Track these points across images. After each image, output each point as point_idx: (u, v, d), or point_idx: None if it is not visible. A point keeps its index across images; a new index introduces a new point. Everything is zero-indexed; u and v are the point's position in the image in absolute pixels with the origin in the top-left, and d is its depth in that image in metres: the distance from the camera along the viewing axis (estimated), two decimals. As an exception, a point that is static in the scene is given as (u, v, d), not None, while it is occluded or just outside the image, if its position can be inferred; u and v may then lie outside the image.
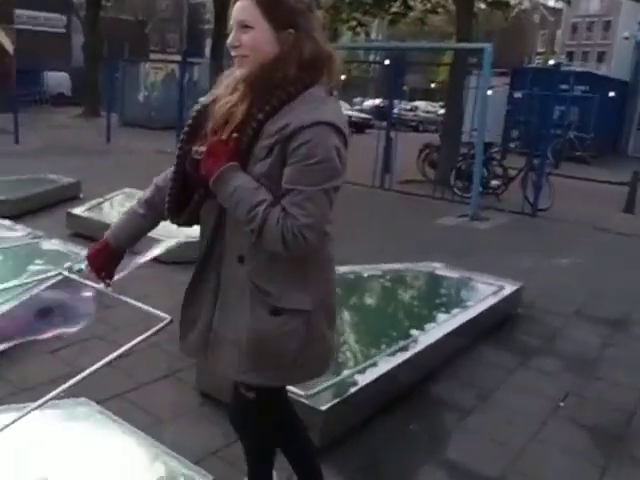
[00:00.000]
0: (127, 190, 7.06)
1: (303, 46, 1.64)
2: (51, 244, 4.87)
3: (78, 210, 6.09)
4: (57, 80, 28.67)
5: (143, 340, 1.91)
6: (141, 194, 1.99)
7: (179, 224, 1.85)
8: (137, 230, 1.97)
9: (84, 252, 4.39)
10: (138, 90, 20.84)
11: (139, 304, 2.04)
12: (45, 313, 2.14)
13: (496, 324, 4.31)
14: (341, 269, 4.44)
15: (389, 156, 10.33)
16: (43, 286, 2.80)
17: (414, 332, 3.63)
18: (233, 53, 1.69)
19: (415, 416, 3.11)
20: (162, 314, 1.93)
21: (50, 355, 3.49)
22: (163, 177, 1.94)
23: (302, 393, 2.67)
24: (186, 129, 1.80)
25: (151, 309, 1.99)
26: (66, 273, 2.19)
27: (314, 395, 2.71)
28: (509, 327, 4.42)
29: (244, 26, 1.64)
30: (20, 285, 3.25)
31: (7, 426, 1.76)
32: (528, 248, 6.96)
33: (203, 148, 1.69)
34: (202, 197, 1.76)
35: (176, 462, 2.24)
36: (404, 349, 3.33)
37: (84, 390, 2.39)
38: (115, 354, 1.85)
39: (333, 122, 1.63)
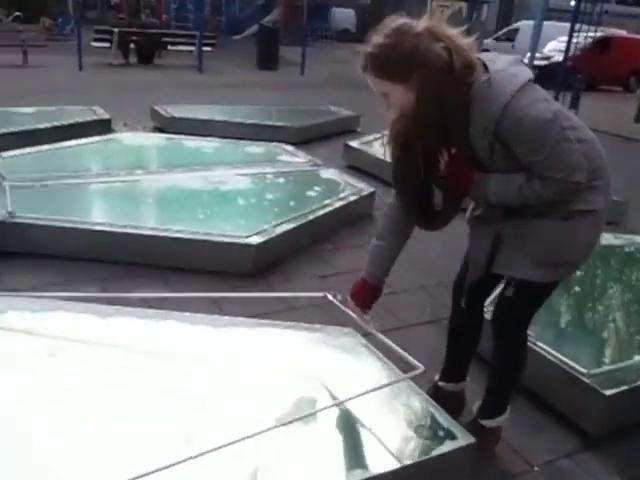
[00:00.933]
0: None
1: (432, 76, 1.71)
2: (329, 173, 5.02)
3: (355, 143, 6.21)
4: (343, 16, 29.74)
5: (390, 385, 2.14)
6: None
7: (435, 229, 2.10)
8: (388, 262, 2.18)
9: (360, 184, 4.51)
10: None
11: (396, 347, 2.19)
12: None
13: None
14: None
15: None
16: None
17: None
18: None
19: None
20: (416, 363, 2.08)
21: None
22: (389, 206, 2.15)
23: (584, 371, 2.37)
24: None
25: (407, 356, 2.14)
26: (330, 297, 2.48)
27: (596, 376, 2.39)
28: None
29: (384, 94, 1.82)
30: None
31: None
32: None
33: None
34: (455, 205, 2.05)
35: (438, 414, 2.12)
36: None
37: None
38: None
39: (514, 89, 1.72)
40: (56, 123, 6.09)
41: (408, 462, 1.89)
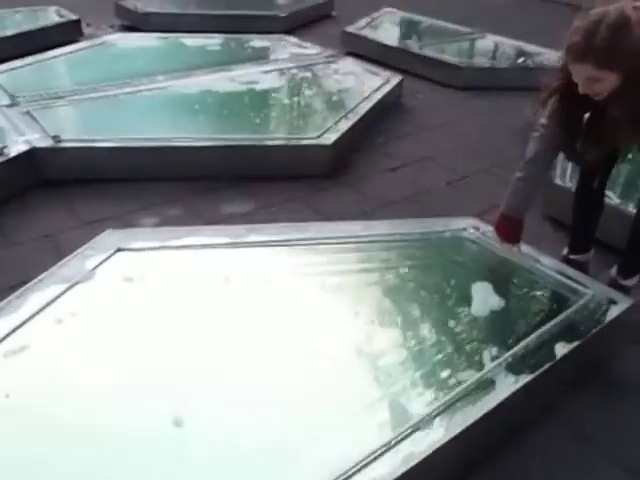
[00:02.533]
0: (388, 9, 6.97)
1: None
2: (348, 63, 4.99)
3: (352, 29, 6.10)
4: None
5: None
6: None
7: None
8: (532, 197, 2.40)
9: (384, 72, 4.51)
10: None
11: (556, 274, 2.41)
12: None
13: None
14: None
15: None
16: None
17: None
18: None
19: None
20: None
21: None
22: (533, 156, 2.31)
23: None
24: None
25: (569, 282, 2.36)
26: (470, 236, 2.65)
27: None
28: None
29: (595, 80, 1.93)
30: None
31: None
32: None
33: None
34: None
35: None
36: None
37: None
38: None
39: None
40: (19, 29, 5.51)
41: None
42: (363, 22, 6.40)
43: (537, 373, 1.94)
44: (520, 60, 5.70)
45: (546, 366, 1.97)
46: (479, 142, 4.25)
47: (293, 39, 5.64)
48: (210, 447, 1.62)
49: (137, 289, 2.25)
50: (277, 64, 4.82)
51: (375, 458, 1.58)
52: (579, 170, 2.62)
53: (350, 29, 6.12)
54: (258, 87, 4.37)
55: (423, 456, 1.60)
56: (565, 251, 2.71)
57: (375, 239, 2.63)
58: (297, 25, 6.85)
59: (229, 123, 3.83)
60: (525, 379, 1.90)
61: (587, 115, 2.22)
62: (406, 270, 2.47)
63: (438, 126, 4.48)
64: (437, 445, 1.63)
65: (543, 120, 2.28)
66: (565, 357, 2.02)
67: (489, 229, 2.62)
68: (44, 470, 1.55)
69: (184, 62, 4.81)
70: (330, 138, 3.57)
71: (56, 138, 3.31)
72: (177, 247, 2.47)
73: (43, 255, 2.69)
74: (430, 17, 7.04)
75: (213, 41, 5.42)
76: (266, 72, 4.63)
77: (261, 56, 5.06)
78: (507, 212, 2.39)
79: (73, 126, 3.67)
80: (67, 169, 3.31)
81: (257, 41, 5.51)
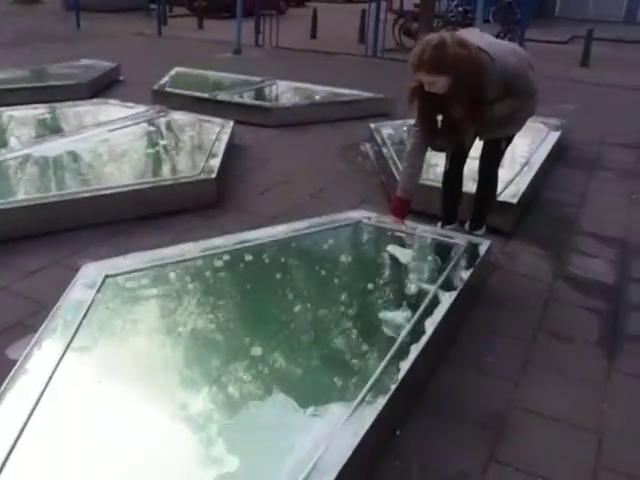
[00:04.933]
0: (178, 69, 7.69)
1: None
2: (181, 115, 5.60)
3: (158, 87, 6.72)
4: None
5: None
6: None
7: (442, 151, 3.41)
8: (416, 179, 3.27)
9: (216, 120, 5.19)
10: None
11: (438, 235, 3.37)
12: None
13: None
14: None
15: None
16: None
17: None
18: None
19: None
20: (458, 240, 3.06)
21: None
22: (412, 140, 3.19)
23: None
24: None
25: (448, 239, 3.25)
26: (365, 222, 3.44)
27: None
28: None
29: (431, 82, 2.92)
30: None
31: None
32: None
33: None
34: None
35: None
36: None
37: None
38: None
39: None
40: None
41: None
42: (164, 80, 7.04)
43: (456, 293, 2.79)
44: (316, 98, 6.81)
45: (461, 286, 2.86)
46: (313, 163, 5.17)
47: (115, 101, 6.07)
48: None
49: (147, 297, 2.69)
50: (118, 123, 5.22)
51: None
52: (445, 157, 3.57)
53: (157, 87, 6.71)
54: (119, 143, 4.77)
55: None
56: (438, 225, 3.65)
57: (293, 234, 3.31)
58: (97, 90, 7.23)
59: (116, 173, 4.20)
60: (449, 300, 2.73)
61: (440, 117, 3.19)
62: (327, 251, 3.21)
63: (274, 157, 5.30)
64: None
65: (413, 122, 3.21)
66: (467, 280, 2.92)
67: (375, 215, 3.50)
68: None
69: (29, 131, 5.02)
70: (212, 173, 4.18)
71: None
72: (154, 266, 2.93)
73: (9, 304, 2.94)
74: (215, 71, 7.96)
75: (39, 111, 5.62)
76: (113, 130, 5.04)
77: (100, 119, 5.40)
78: (400, 194, 3.27)
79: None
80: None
81: (83, 107, 5.85)
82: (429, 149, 3.26)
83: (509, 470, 2.10)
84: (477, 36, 3.09)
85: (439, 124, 3.20)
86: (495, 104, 3.03)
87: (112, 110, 5.70)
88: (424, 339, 2.42)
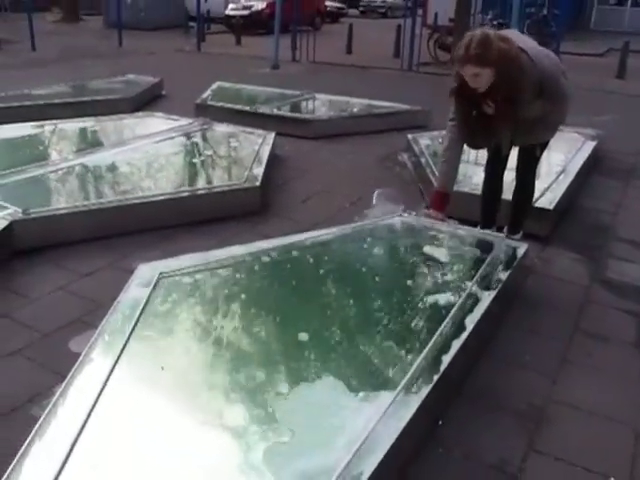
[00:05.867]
0: (219, 83, 7.95)
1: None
2: (224, 127, 5.80)
3: (201, 100, 6.96)
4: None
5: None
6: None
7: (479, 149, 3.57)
8: (455, 173, 3.35)
9: (258, 131, 5.37)
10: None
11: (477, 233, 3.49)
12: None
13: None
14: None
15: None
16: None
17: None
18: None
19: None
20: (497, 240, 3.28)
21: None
22: (449, 137, 3.30)
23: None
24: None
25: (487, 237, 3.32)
26: (405, 223, 3.59)
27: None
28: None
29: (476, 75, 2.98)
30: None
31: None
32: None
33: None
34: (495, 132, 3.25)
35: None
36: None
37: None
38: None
39: None
40: None
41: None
42: (206, 94, 7.29)
43: (495, 292, 2.89)
44: (354, 110, 6.98)
45: (499, 286, 2.95)
46: (352, 174, 5.32)
47: (160, 114, 6.32)
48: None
49: (201, 295, 2.85)
50: (165, 135, 5.46)
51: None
52: (486, 164, 3.70)
53: (199, 101, 6.95)
54: (166, 153, 5.00)
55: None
56: (477, 228, 3.74)
57: (337, 236, 3.45)
58: (141, 105, 7.51)
59: (164, 181, 4.42)
60: (488, 299, 2.83)
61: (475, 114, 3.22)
62: (371, 250, 3.35)
63: (314, 167, 5.47)
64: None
65: (451, 115, 3.30)
66: (505, 281, 3.02)
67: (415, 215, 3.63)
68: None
69: (80, 143, 5.28)
70: (256, 182, 4.36)
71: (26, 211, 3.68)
72: (205, 266, 3.09)
73: (68, 302, 3.13)
74: (255, 85, 8.19)
75: (88, 124, 5.88)
76: (160, 141, 5.27)
77: (147, 131, 5.63)
78: (438, 188, 3.39)
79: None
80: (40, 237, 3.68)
81: (130, 120, 6.11)
82: (466, 146, 3.36)
83: (548, 459, 2.19)
84: (516, 37, 3.20)
85: (475, 122, 3.26)
86: (527, 105, 3.12)
87: (158, 123, 5.93)
88: (464, 334, 2.52)
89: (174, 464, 1.84)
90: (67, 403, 2.08)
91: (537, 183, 3.68)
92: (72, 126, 5.80)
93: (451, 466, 2.14)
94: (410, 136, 5.74)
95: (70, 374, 2.25)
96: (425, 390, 2.17)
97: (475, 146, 3.48)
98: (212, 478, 1.82)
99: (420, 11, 13.02)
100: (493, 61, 2.92)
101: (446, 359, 2.36)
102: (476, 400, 2.48)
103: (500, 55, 2.91)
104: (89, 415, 2.02)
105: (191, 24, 16.99)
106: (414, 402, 2.09)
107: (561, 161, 4.90)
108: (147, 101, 7.82)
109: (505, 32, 3.23)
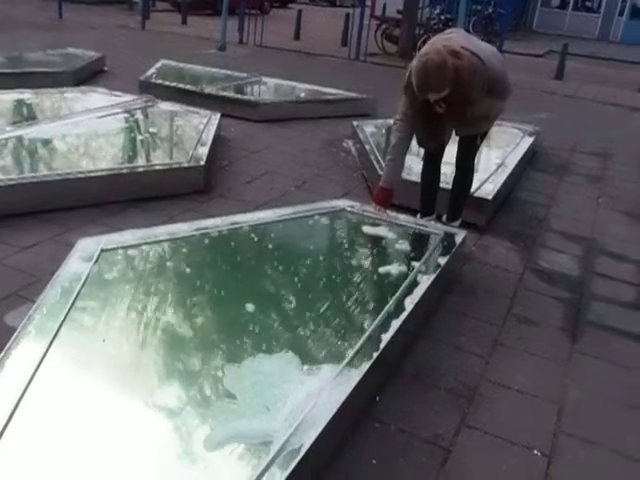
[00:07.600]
0: (164, 62, 7.82)
1: None
2: (169, 106, 5.72)
3: (145, 78, 6.84)
4: None
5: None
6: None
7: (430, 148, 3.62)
8: (400, 170, 3.46)
9: (203, 112, 5.34)
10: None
11: (417, 225, 3.54)
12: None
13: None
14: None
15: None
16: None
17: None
18: None
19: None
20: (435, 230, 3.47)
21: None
22: (398, 133, 3.36)
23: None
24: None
25: (426, 228, 3.47)
26: (349, 209, 3.63)
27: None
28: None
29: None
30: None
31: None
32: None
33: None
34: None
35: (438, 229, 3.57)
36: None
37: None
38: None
39: None
40: None
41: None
42: (150, 72, 7.15)
43: (433, 277, 2.99)
44: (301, 95, 6.99)
45: (438, 271, 3.05)
46: (297, 157, 5.34)
47: (102, 89, 6.16)
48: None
49: (142, 270, 2.83)
50: (107, 110, 5.33)
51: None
52: (424, 153, 3.79)
53: (144, 78, 6.82)
54: (109, 129, 4.88)
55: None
56: (417, 216, 3.84)
57: (280, 219, 3.48)
58: (82, 79, 7.30)
59: (107, 157, 4.32)
60: (427, 283, 2.92)
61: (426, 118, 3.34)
62: (314, 235, 3.40)
63: (260, 150, 5.46)
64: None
65: (398, 116, 3.39)
66: (444, 266, 3.13)
67: (359, 204, 3.69)
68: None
69: (18, 115, 5.11)
70: (200, 161, 4.33)
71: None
72: (148, 242, 3.07)
73: (4, 276, 3.05)
74: (201, 65, 8.09)
75: (27, 96, 5.68)
76: (103, 117, 5.15)
77: (89, 106, 5.48)
78: (383, 184, 3.46)
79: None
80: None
81: (71, 93, 5.93)
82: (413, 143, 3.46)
83: (478, 433, 2.29)
84: (464, 39, 3.29)
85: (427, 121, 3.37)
86: (476, 103, 3.24)
87: (100, 98, 5.79)
88: (403, 316, 2.60)
89: (113, 438, 1.83)
90: (1, 379, 2.03)
91: (477, 174, 3.80)
92: (9, 97, 5.59)
93: (387, 440, 2.21)
94: (355, 123, 5.81)
95: (6, 348, 2.20)
96: (364, 367, 2.23)
97: (426, 145, 3.57)
98: (149, 448, 1.83)
99: (369, 1, 13.06)
100: (450, 81, 3.01)
101: (385, 337, 2.43)
102: (413, 378, 2.56)
103: (456, 74, 3.00)
104: (25, 390, 1.98)
105: (136, 0, 16.57)
106: (354, 376, 2.15)
107: (500, 154, 5.07)
108: (88, 76, 7.60)
109: (454, 32, 3.32)
